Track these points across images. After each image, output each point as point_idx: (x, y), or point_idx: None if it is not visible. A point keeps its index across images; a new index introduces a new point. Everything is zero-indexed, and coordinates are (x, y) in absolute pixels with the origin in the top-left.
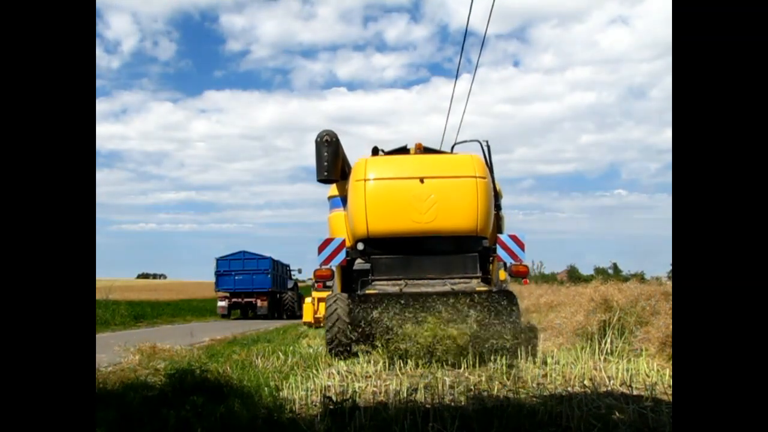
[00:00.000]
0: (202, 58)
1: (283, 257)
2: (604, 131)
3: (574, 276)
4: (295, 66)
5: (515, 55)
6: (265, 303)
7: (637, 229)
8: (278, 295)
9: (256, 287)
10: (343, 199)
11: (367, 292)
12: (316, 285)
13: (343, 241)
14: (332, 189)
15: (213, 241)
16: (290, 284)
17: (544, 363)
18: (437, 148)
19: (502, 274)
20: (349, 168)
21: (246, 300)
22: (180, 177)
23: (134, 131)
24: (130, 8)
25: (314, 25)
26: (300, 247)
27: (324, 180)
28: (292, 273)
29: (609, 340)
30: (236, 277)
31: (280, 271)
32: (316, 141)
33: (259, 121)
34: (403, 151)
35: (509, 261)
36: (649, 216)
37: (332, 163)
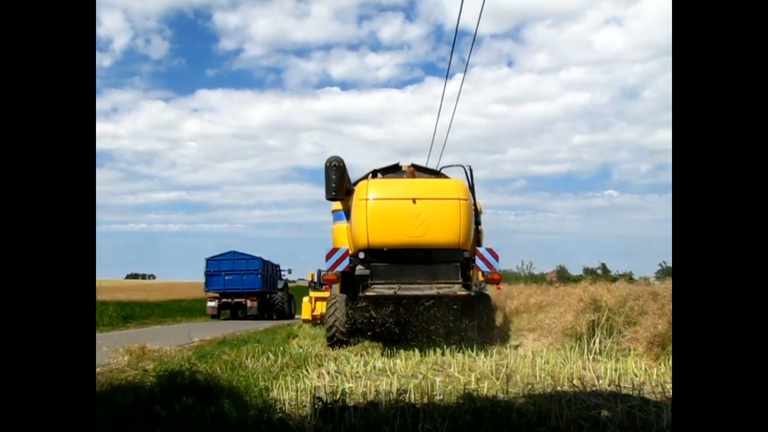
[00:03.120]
0: (194, 57)
1: (274, 258)
2: (597, 132)
3: (563, 276)
4: (288, 65)
5: (509, 55)
6: (255, 303)
7: (627, 229)
8: (268, 296)
9: (246, 287)
10: (346, 213)
11: (367, 293)
12: (324, 287)
13: (347, 250)
14: (336, 204)
15: (203, 242)
16: (280, 285)
17: (534, 363)
18: (427, 164)
19: (480, 276)
20: (351, 185)
21: (236, 300)
22: (171, 177)
23: (125, 130)
24: (122, 5)
25: (308, 24)
26: (291, 247)
27: (331, 198)
28: (283, 273)
29: (598, 340)
30: (226, 278)
31: (270, 271)
32: (326, 165)
33: (251, 121)
34: (395, 168)
35: (486, 270)
36: (639, 217)
37: (339, 184)
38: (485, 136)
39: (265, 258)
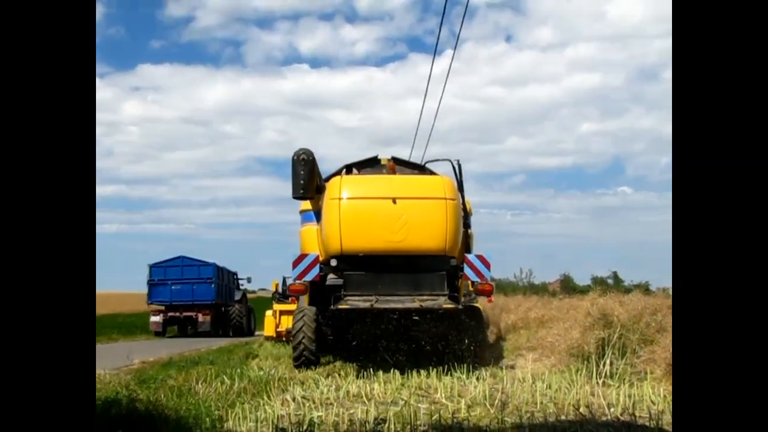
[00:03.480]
0: (136, 25)
1: (231, 264)
2: (609, 119)
3: (568, 286)
4: (248, 37)
5: (508, 28)
6: (208, 318)
7: (643, 233)
8: (223, 309)
9: (197, 299)
10: (316, 214)
11: (340, 306)
12: (290, 298)
13: (317, 257)
14: (305, 203)
15: (146, 245)
16: (238, 296)
17: (534, 387)
18: (409, 159)
19: (470, 286)
20: (322, 181)
21: (185, 314)
22: (108, 168)
23: None
24: None
25: None
26: (251, 252)
27: (299, 197)
28: (241, 283)
29: (608, 361)
30: (173, 287)
31: (225, 280)
32: (293, 159)
33: (204, 103)
34: (373, 162)
35: (475, 279)
36: (656, 218)
37: (308, 181)
38: (479, 124)
39: (220, 264)
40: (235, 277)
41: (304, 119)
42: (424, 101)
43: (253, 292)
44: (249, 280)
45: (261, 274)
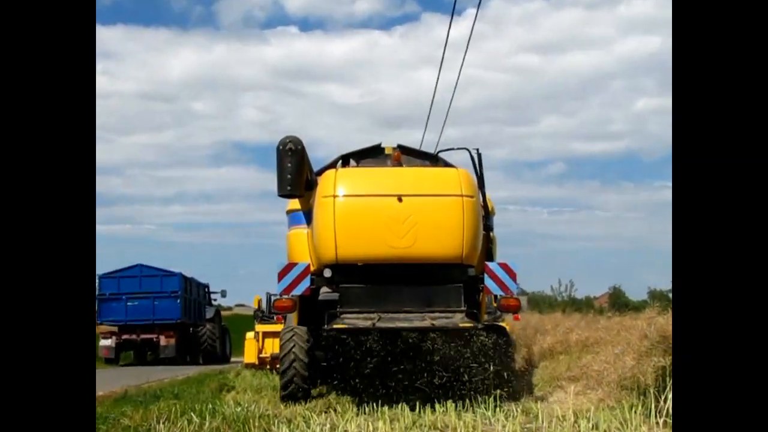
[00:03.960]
0: None
1: (201, 274)
2: (670, 93)
3: (619, 302)
4: None
5: None
6: (172, 341)
7: None
8: (192, 330)
9: (159, 318)
10: (307, 215)
11: (335, 326)
12: (275, 317)
13: (308, 266)
14: (292, 202)
15: (96, 249)
16: (210, 313)
17: (576, 427)
18: (419, 148)
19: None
20: (313, 175)
21: (143, 337)
22: None
23: None
24: None
25: None
26: (226, 259)
27: (286, 195)
28: (213, 297)
29: (670, 396)
30: (129, 303)
31: (194, 294)
32: (278, 149)
33: (168, 74)
34: (375, 151)
35: (498, 293)
36: None
37: (296, 175)
38: (508, 100)
39: (188, 275)
40: (206, 290)
41: (292, 95)
42: (439, 73)
43: (229, 308)
44: (224, 294)
45: (239, 287)
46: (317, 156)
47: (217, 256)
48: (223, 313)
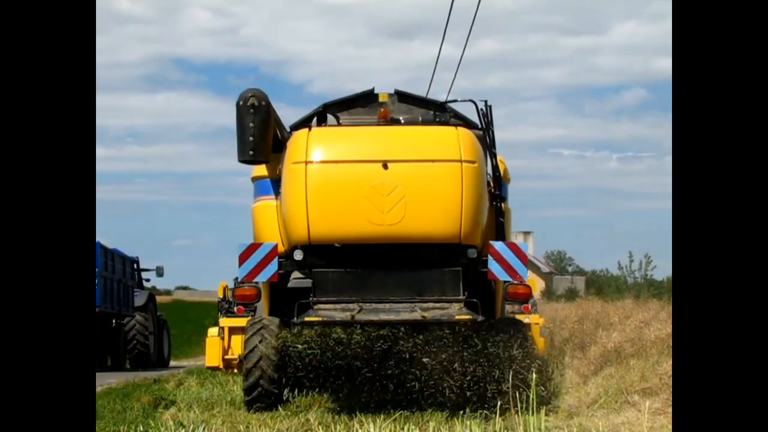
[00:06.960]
0: None
1: (128, 246)
2: None
3: None
4: None
5: None
6: None
7: None
8: (114, 322)
9: None
10: (275, 183)
11: (307, 319)
12: (235, 308)
13: (275, 247)
14: (258, 168)
15: None
16: (140, 299)
17: None
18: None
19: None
20: (284, 134)
21: None
22: None
23: None
24: None
25: None
26: (163, 224)
27: (248, 161)
28: (145, 278)
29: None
30: None
31: (118, 272)
32: (238, 105)
33: None
34: (367, 99)
35: (504, 278)
36: None
37: (261, 137)
38: (565, 0)
39: (109, 245)
40: (135, 267)
41: None
42: None
43: (168, 293)
44: (160, 272)
45: (181, 264)
46: (293, 81)
47: (151, 219)
48: (159, 299)
